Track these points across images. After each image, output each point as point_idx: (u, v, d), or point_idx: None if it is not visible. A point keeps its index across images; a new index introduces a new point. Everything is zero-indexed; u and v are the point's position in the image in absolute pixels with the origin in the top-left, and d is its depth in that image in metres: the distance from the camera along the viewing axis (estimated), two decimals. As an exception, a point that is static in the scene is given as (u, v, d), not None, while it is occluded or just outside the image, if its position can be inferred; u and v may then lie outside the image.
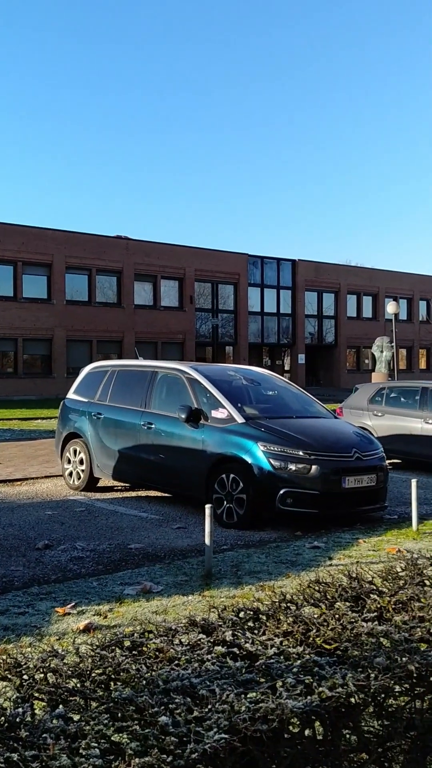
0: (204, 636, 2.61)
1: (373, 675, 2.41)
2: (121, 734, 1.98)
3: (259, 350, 44.68)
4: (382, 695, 2.55)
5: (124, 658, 2.37)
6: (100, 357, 32.98)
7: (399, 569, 3.55)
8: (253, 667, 2.39)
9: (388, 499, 9.72)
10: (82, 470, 10.94)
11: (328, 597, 3.12)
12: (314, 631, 2.71)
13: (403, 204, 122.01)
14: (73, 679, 2.25)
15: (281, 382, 11.24)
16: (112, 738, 1.95)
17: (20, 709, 1.99)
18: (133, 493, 10.81)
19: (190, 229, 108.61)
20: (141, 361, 11.79)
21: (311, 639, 2.65)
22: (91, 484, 10.92)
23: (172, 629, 2.68)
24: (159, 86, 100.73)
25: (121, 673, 2.28)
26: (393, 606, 3.03)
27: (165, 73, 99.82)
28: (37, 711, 2.10)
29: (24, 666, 2.29)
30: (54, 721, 1.98)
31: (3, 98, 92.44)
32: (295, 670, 2.36)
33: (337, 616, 2.87)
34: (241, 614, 2.89)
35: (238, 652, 2.51)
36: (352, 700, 2.42)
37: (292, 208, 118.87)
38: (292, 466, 8.57)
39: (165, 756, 1.82)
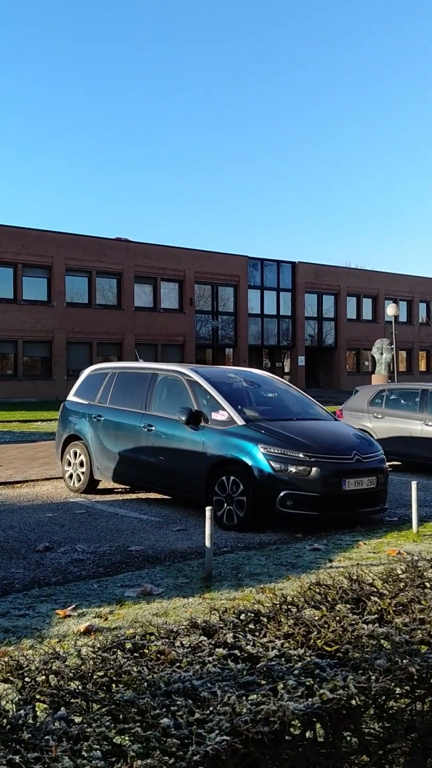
0: (205, 638, 2.62)
1: (373, 677, 2.42)
2: (122, 736, 1.98)
3: (259, 352, 44.69)
4: (383, 697, 2.55)
5: (125, 660, 2.37)
6: (100, 359, 32.99)
7: (399, 571, 3.55)
8: (255, 669, 2.39)
9: (388, 501, 9.72)
10: (83, 472, 10.94)
11: (329, 599, 3.13)
12: (315, 633, 2.72)
13: (403, 206, 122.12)
14: (75, 681, 2.26)
15: (281, 385, 11.25)
16: (114, 740, 1.96)
17: (22, 711, 1.99)
18: (134, 496, 10.81)
19: (190, 231, 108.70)
20: (141, 364, 11.81)
21: (312, 641, 2.66)
22: (92, 486, 10.92)
23: (174, 631, 2.68)
24: (159, 87, 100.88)
25: (123, 675, 2.29)
26: (393, 608, 3.04)
27: (165, 74, 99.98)
28: (39, 713, 2.10)
29: (26, 668, 2.30)
30: (56, 723, 1.98)
31: (3, 99, 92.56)
32: (296, 672, 2.36)
33: (337, 618, 2.87)
34: (242, 616, 2.89)
35: (239, 654, 2.52)
36: (353, 702, 2.43)
37: (291, 210, 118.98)
38: (293, 469, 8.58)
39: (167, 758, 1.83)
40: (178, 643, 2.59)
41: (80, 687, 2.22)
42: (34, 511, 9.52)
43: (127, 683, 2.24)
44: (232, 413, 9.20)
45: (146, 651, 2.51)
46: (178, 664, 2.40)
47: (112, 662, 2.35)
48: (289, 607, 3.04)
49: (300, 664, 2.43)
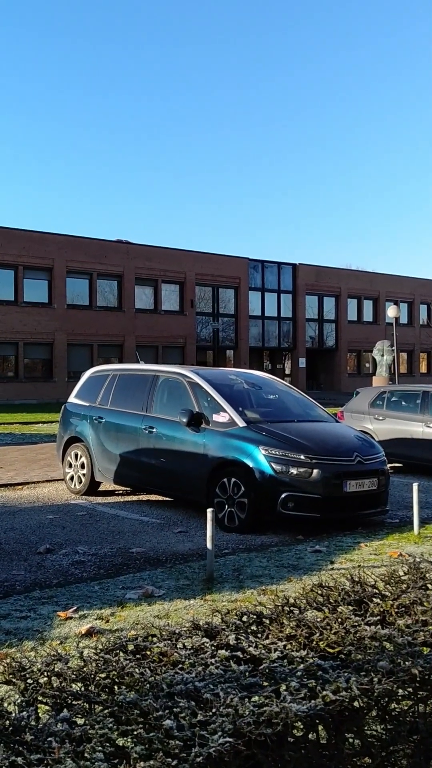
0: (207, 640, 2.62)
1: (376, 679, 2.41)
2: (125, 738, 1.98)
3: (259, 354, 44.70)
4: (386, 699, 2.55)
5: (127, 662, 2.37)
6: (101, 361, 33.02)
7: (401, 573, 3.55)
8: (257, 670, 2.39)
9: (390, 503, 9.71)
10: (84, 474, 10.94)
11: (331, 601, 3.12)
12: (317, 634, 2.71)
13: (404, 208, 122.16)
14: (78, 683, 2.26)
15: (282, 386, 11.24)
16: (117, 742, 1.95)
17: (25, 713, 1.99)
18: (135, 497, 10.81)
19: (191, 233, 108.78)
20: (142, 365, 11.80)
21: (315, 643, 2.66)
22: (93, 488, 10.92)
23: (176, 633, 2.68)
24: (160, 89, 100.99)
25: (125, 677, 2.28)
26: (396, 610, 3.04)
27: (166, 75, 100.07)
28: (41, 715, 2.10)
29: (28, 670, 2.29)
30: (59, 725, 1.98)
31: (3, 101, 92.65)
32: (298, 673, 2.36)
33: (340, 619, 2.87)
34: (245, 618, 2.89)
35: (241, 655, 2.51)
36: (356, 703, 2.42)
37: (292, 212, 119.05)
38: (294, 470, 8.57)
39: (170, 760, 1.83)
40: (180, 645, 2.58)
41: (83, 689, 2.22)
42: (35, 513, 9.52)
43: (129, 685, 2.24)
44: (233, 415, 9.19)
45: (148, 653, 2.51)
46: (180, 665, 2.39)
47: (114, 664, 2.34)
48: (292, 608, 3.03)
49: (302, 665, 2.42)
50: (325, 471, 8.65)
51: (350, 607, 3.06)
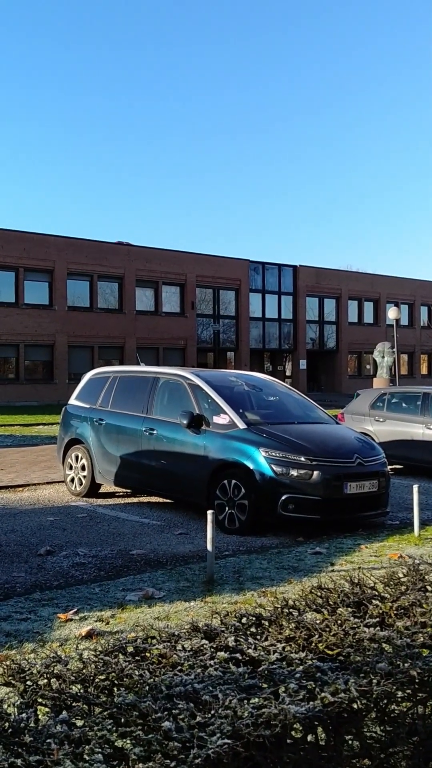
0: (207, 642, 2.62)
1: (375, 680, 2.42)
2: (124, 740, 1.99)
3: (260, 356, 44.71)
4: (385, 701, 2.55)
5: (127, 663, 2.38)
6: (102, 363, 33.02)
7: (401, 575, 3.55)
8: (256, 672, 2.40)
9: (390, 505, 9.72)
10: (84, 476, 10.95)
11: (330, 603, 3.13)
12: (316, 636, 2.72)
13: (405, 209, 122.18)
14: (77, 685, 2.26)
15: (283, 388, 11.25)
16: (116, 743, 1.96)
17: (24, 715, 2.00)
18: (135, 499, 10.81)
19: (191, 235, 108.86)
20: (142, 367, 11.81)
21: (314, 645, 2.66)
22: (93, 490, 10.93)
23: (175, 635, 2.68)
24: (160, 91, 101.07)
25: (125, 679, 2.29)
26: (395, 611, 3.04)
27: (166, 78, 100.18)
28: (41, 716, 2.10)
29: (28, 672, 2.30)
30: (58, 727, 1.98)
31: (4, 103, 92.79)
32: (297, 675, 2.36)
33: (339, 621, 2.87)
34: (244, 620, 2.90)
35: (240, 657, 2.52)
36: (355, 705, 2.43)
37: (293, 214, 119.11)
38: (294, 472, 8.57)
39: (168, 761, 1.83)
40: (179, 647, 2.59)
41: (82, 690, 2.23)
42: (35, 515, 9.53)
43: (128, 687, 2.24)
44: (234, 417, 9.20)
45: (148, 654, 2.51)
46: (179, 667, 2.40)
47: (113, 666, 2.35)
48: (291, 610, 3.04)
49: (301, 667, 2.43)
50: (326, 473, 8.65)
51: (349, 609, 3.06)
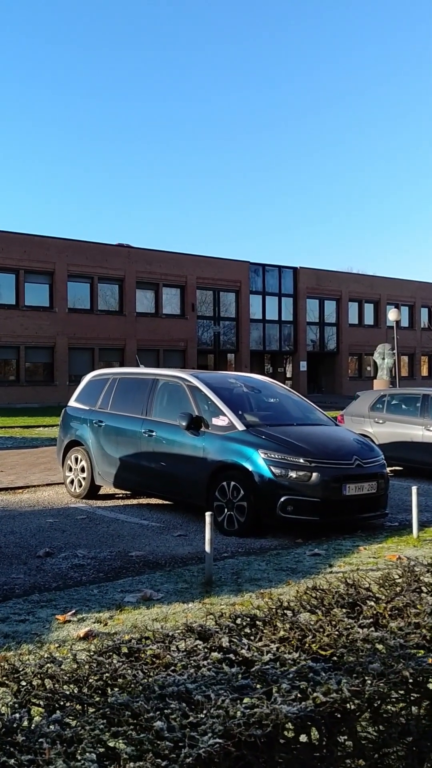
0: (201, 642, 2.63)
1: (368, 681, 2.43)
2: (117, 739, 2.00)
3: (260, 357, 44.71)
4: (378, 701, 2.56)
5: (120, 664, 2.39)
6: (102, 365, 33.01)
7: (396, 576, 3.56)
8: (249, 672, 2.41)
9: (389, 506, 9.73)
10: (84, 478, 10.96)
11: (325, 603, 3.14)
12: (310, 637, 2.73)
13: (405, 211, 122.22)
14: (71, 685, 2.27)
15: (282, 390, 11.26)
16: (108, 743, 1.97)
17: (17, 715, 2.01)
18: (134, 501, 10.82)
19: (192, 237, 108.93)
20: (142, 369, 11.83)
21: (307, 645, 2.67)
22: (93, 491, 10.94)
23: (169, 636, 2.70)
24: (161, 93, 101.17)
25: (118, 679, 2.30)
26: (389, 612, 3.05)
27: (167, 79, 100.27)
28: (34, 716, 2.12)
29: (22, 672, 2.31)
30: (51, 727, 2.00)
31: (4, 106, 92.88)
32: (290, 675, 2.37)
33: (333, 622, 2.89)
34: (238, 621, 2.91)
35: (234, 658, 2.53)
36: (348, 705, 2.44)
37: (293, 216, 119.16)
38: (293, 474, 8.58)
39: (160, 760, 1.85)
40: (173, 648, 2.60)
41: (75, 690, 2.24)
42: (35, 517, 9.54)
43: (122, 687, 2.26)
44: (233, 418, 9.21)
45: (142, 655, 2.53)
46: (173, 667, 2.41)
47: (107, 666, 2.36)
48: (285, 611, 3.05)
49: (294, 668, 2.44)
50: (325, 474, 8.66)
51: (344, 610, 3.07)
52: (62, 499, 10.90)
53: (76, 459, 11.13)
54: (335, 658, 2.60)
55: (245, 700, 2.20)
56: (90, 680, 2.29)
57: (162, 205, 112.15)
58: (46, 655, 2.50)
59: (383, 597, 3.23)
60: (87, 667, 2.37)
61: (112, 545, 8.07)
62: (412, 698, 2.68)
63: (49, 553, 7.60)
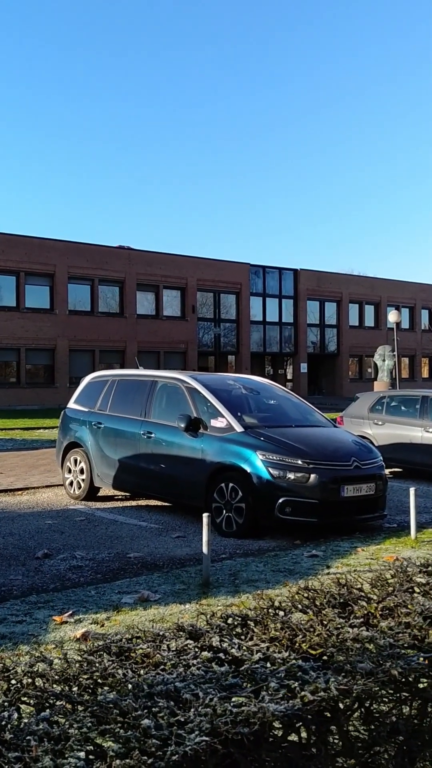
0: (191, 641, 2.65)
1: (356, 680, 2.44)
2: (105, 737, 2.02)
3: (261, 359, 44.74)
4: (368, 700, 2.58)
5: (110, 663, 2.41)
6: (103, 366, 33.06)
7: (388, 576, 3.58)
8: (238, 671, 2.42)
9: (388, 508, 9.73)
10: (83, 479, 10.98)
11: (317, 603, 3.15)
12: (300, 636, 2.74)
13: (406, 213, 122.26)
14: (60, 684, 2.29)
15: (281, 392, 11.28)
16: (96, 741, 1.99)
17: (6, 713, 2.02)
18: (133, 502, 10.84)
19: (192, 239, 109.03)
20: (141, 371, 11.84)
21: (297, 644, 2.68)
22: (92, 493, 10.96)
23: (160, 635, 2.71)
24: (160, 95, 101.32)
25: (108, 678, 2.32)
26: (380, 612, 3.06)
27: (166, 81, 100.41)
28: (24, 715, 2.13)
29: (12, 671, 2.33)
30: (40, 725, 2.01)
31: (5, 109, 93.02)
32: (279, 674, 2.39)
33: (324, 622, 2.90)
34: (229, 620, 2.92)
35: (224, 657, 2.54)
36: (338, 705, 2.45)
37: (293, 218, 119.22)
38: (291, 475, 8.60)
39: (146, 758, 1.86)
40: (164, 647, 2.61)
41: (65, 689, 2.25)
42: (34, 518, 9.56)
43: (111, 685, 2.27)
44: (231, 420, 9.23)
45: (132, 654, 2.54)
46: (162, 666, 2.43)
47: (97, 665, 2.38)
48: (277, 611, 3.06)
49: (284, 667, 2.45)
50: (323, 476, 8.67)
51: (335, 610, 3.09)
52: (61, 501, 10.91)
53: (75, 461, 11.15)
54: (325, 658, 2.61)
55: (234, 699, 2.21)
56: (80, 679, 2.30)
57: (162, 207, 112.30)
58: (37, 655, 2.51)
59: (375, 597, 3.24)
60: (77, 666, 2.39)
61: (111, 547, 8.08)
62: (401, 697, 2.70)
63: (48, 555, 7.62)
